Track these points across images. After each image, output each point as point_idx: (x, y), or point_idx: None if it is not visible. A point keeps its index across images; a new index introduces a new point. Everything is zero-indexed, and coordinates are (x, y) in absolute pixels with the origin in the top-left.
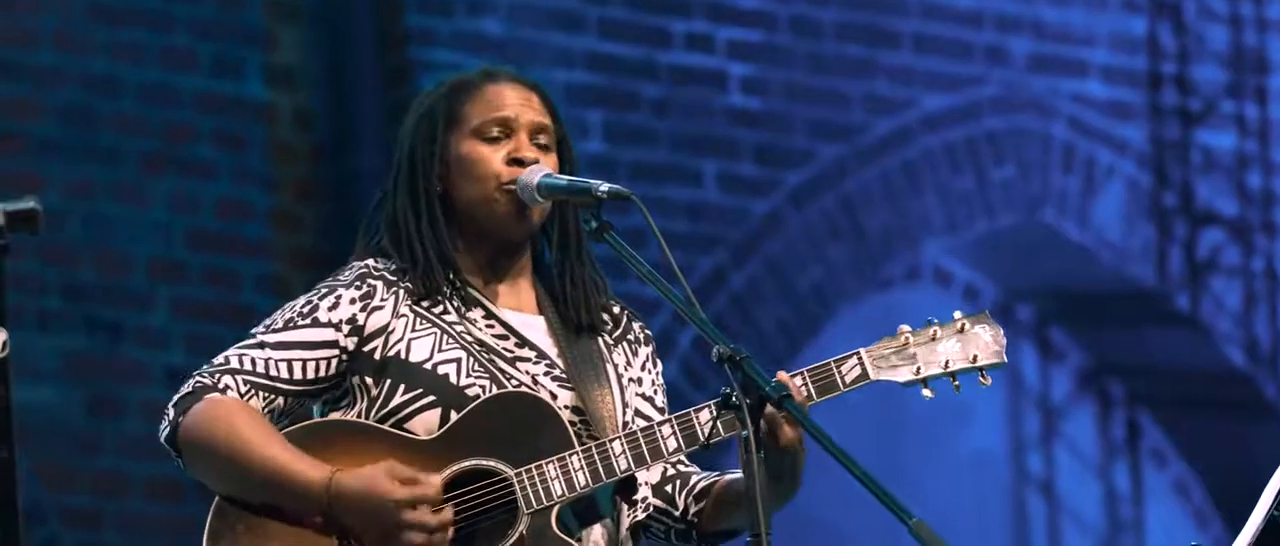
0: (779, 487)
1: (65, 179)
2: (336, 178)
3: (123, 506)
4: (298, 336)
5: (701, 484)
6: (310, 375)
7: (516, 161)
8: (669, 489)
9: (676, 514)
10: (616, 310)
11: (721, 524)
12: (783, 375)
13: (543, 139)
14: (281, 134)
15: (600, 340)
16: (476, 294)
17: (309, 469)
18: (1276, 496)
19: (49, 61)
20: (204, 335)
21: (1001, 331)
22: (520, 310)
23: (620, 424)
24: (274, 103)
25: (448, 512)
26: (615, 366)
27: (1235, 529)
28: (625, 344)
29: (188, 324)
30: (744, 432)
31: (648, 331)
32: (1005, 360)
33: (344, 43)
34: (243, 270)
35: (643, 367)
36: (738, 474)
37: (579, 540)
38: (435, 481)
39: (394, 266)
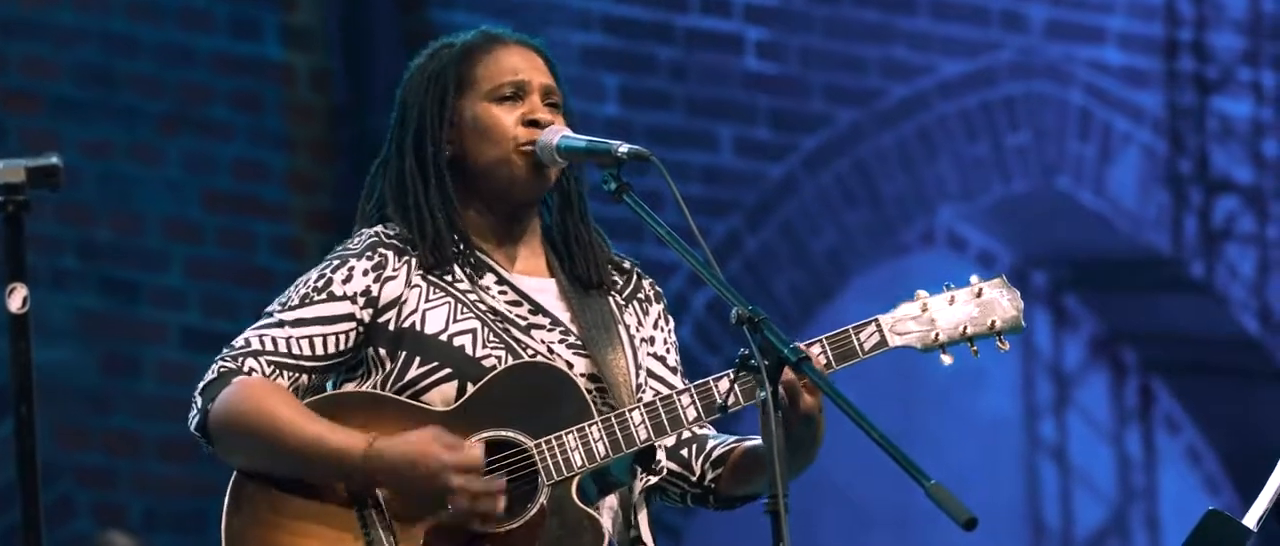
0: (798, 453)
1: (82, 138)
2: (353, 139)
3: (136, 465)
4: (315, 312)
5: (719, 450)
6: (331, 350)
7: (532, 123)
8: (685, 453)
9: (693, 478)
10: (626, 267)
11: (740, 489)
12: (800, 346)
13: (553, 99)
14: (298, 95)
15: (611, 300)
16: (487, 259)
17: (346, 438)
18: None
19: (68, 21)
20: (219, 296)
21: (1018, 295)
22: (531, 274)
23: (634, 386)
24: (291, 63)
25: (499, 480)
26: (627, 326)
27: (1247, 495)
28: (636, 302)
29: (203, 284)
30: (762, 394)
31: (658, 289)
32: (1023, 324)
33: (361, 3)
34: (258, 231)
35: (655, 326)
36: (757, 440)
37: (597, 509)
38: (478, 449)
39: (405, 233)
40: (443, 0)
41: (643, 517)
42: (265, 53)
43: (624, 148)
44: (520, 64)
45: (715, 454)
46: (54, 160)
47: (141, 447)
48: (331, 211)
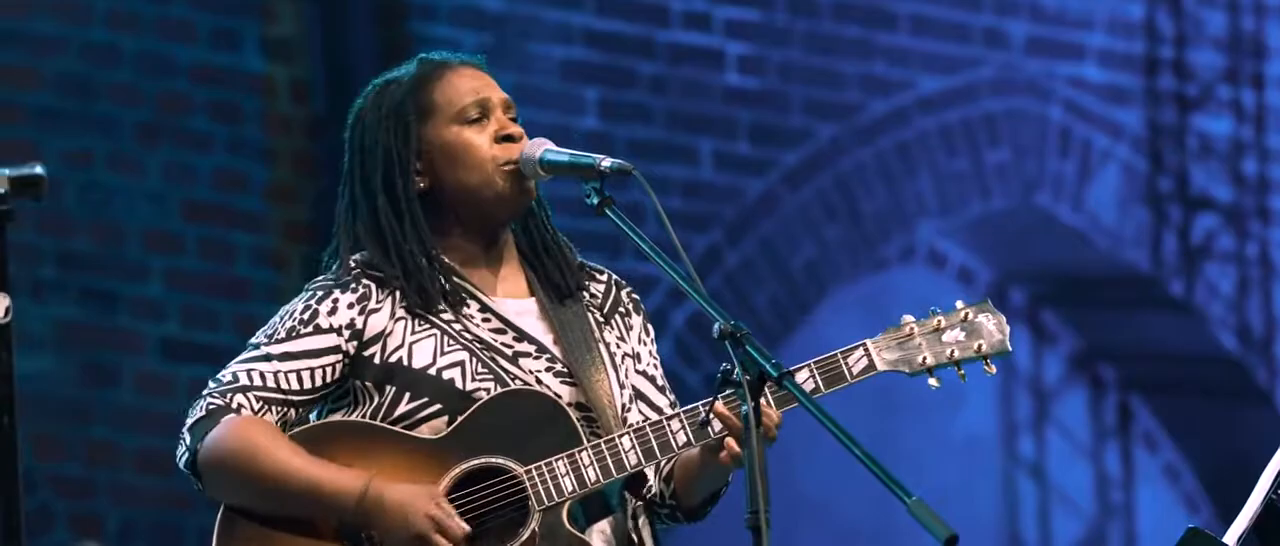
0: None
1: (62, 148)
2: (333, 151)
3: (114, 476)
4: (302, 345)
5: (667, 465)
6: (318, 383)
7: (506, 138)
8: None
9: (660, 501)
10: (602, 277)
11: (695, 492)
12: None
13: (512, 111)
14: (278, 106)
15: (590, 317)
16: (468, 285)
17: (341, 481)
18: (1275, 479)
19: (48, 31)
20: (198, 307)
21: (1004, 319)
22: (513, 296)
23: (619, 407)
24: (271, 74)
25: None
26: (607, 345)
27: (1225, 513)
28: (617, 316)
29: (182, 295)
30: (744, 409)
31: (636, 298)
32: (1010, 348)
33: (342, 15)
34: (238, 242)
35: (638, 341)
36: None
37: (588, 535)
38: (459, 524)
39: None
40: (423, 13)
41: (647, 535)
42: (245, 64)
43: (607, 162)
44: (476, 83)
45: (665, 471)
46: (37, 170)
47: (119, 458)
48: (311, 223)
